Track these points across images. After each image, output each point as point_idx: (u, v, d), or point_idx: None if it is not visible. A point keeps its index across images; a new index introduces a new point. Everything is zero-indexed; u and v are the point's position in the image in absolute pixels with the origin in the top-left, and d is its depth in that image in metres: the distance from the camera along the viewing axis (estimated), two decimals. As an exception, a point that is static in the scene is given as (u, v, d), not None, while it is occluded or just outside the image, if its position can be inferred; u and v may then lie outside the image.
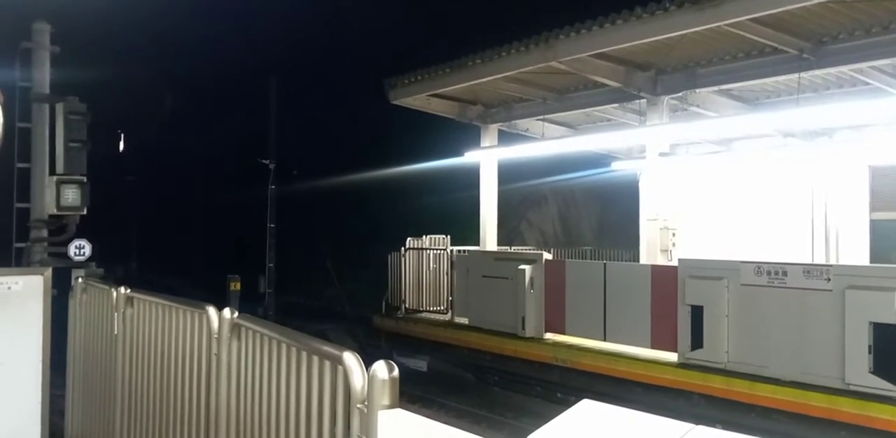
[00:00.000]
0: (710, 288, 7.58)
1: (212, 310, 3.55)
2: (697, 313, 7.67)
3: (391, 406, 2.05)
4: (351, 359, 2.26)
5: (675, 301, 7.93)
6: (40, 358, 5.74)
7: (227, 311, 3.43)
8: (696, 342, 7.67)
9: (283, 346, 2.82)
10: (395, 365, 2.11)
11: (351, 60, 22.43)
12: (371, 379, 2.09)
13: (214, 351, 3.47)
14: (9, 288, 5.70)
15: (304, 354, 2.64)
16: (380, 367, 2.09)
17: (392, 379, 2.07)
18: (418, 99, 12.39)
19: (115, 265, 24.90)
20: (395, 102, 12.58)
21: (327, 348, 2.45)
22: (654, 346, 8.31)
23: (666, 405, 7.57)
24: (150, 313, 4.36)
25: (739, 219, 11.46)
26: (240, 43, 25.93)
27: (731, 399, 7.26)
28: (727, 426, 6.67)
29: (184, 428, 3.80)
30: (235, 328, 3.33)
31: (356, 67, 21.03)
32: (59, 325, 5.94)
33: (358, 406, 2.17)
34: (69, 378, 5.97)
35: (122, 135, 33.06)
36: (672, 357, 8.00)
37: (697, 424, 1.37)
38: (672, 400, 7.71)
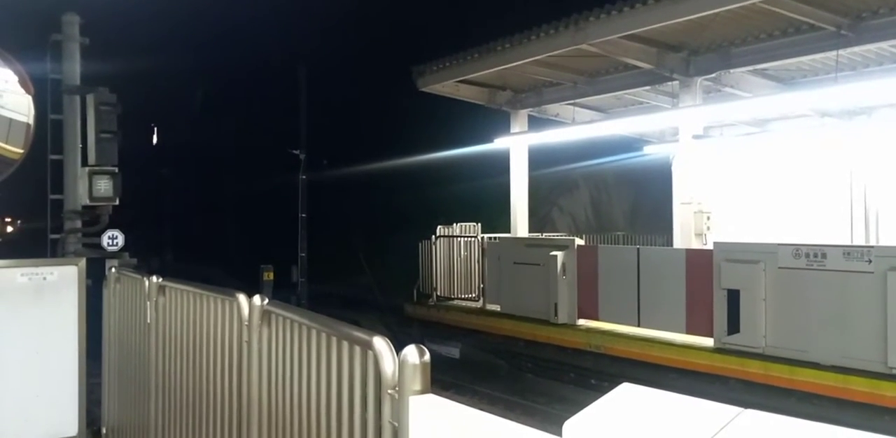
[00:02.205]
0: (747, 272, 7.44)
1: (242, 298, 3.52)
2: (734, 297, 7.55)
3: (423, 392, 2.00)
4: (381, 344, 2.21)
5: (710, 285, 7.81)
6: (76, 346, 5.81)
7: (257, 298, 3.41)
8: (733, 326, 7.55)
9: (314, 332, 2.78)
10: (426, 350, 2.05)
11: (379, 49, 22.34)
12: (402, 364, 2.04)
13: (245, 338, 3.45)
14: (44, 278, 5.77)
15: (334, 340, 2.60)
16: (410, 352, 2.03)
17: (423, 364, 2.02)
18: (447, 85, 12.31)
19: (151, 256, 25.25)
20: (423, 89, 12.51)
21: (357, 333, 2.40)
22: (689, 331, 8.21)
23: (702, 390, 7.46)
24: (181, 301, 4.36)
25: (776, 201, 11.24)
26: (269, 33, 25.96)
27: (769, 384, 7.14)
28: (766, 411, 6.56)
29: (216, 416, 3.79)
30: (266, 315, 3.30)
31: (384, 55, 20.93)
32: (94, 314, 6.00)
33: (389, 391, 2.12)
34: (104, 366, 6.03)
35: (156, 128, 33.43)
36: (708, 342, 7.88)
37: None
38: (708, 386, 7.60)
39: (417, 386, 2.01)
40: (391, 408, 2.11)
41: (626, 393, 1.49)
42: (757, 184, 11.56)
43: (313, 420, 2.73)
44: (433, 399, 1.94)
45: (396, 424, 2.07)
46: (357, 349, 2.41)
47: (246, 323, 3.45)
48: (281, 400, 3.07)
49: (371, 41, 23.02)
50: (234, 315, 3.61)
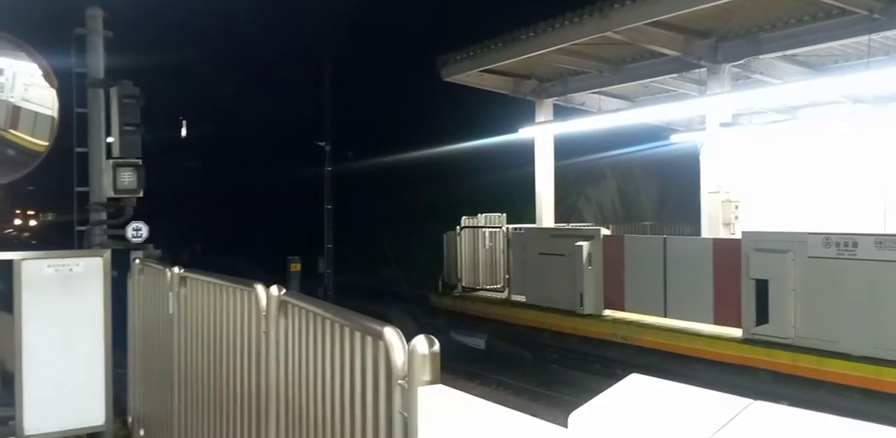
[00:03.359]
0: (776, 261, 7.31)
1: (260, 288, 3.52)
2: (762, 287, 7.42)
3: (432, 382, 1.97)
4: (392, 334, 2.18)
5: (738, 275, 7.69)
6: (102, 337, 5.88)
7: (274, 288, 3.40)
8: (762, 317, 7.43)
9: (328, 322, 2.76)
10: (435, 340, 2.02)
11: (403, 39, 22.30)
12: (411, 355, 2.01)
13: (263, 328, 3.45)
14: (70, 269, 5.83)
15: (347, 330, 2.58)
16: (419, 342, 2.00)
17: (432, 354, 1.98)
18: (471, 75, 12.23)
19: (180, 248, 25.51)
20: (447, 79, 12.44)
21: (369, 323, 2.38)
22: (716, 322, 8.10)
23: (730, 381, 7.37)
24: (202, 292, 4.38)
25: (806, 189, 11.03)
26: (294, 25, 26.01)
27: (798, 376, 7.02)
28: (794, 402, 6.45)
29: (236, 406, 3.80)
30: (283, 305, 3.29)
31: (409, 46, 20.89)
32: (119, 305, 6.07)
33: (399, 382, 2.09)
34: (130, 356, 6.10)
35: (184, 122, 33.74)
36: (736, 332, 7.77)
37: (762, 400, 1.24)
38: (736, 377, 7.50)
39: (427, 377, 1.97)
40: (401, 399, 2.08)
41: (635, 384, 1.45)
42: (787, 172, 11.34)
43: (328, 409, 2.72)
44: (442, 390, 1.91)
45: (406, 414, 2.04)
46: (369, 339, 2.38)
47: (264, 313, 3.45)
48: (297, 390, 3.06)
49: (396, 32, 22.97)
50: (252, 305, 3.61)
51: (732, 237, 9.04)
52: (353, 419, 2.49)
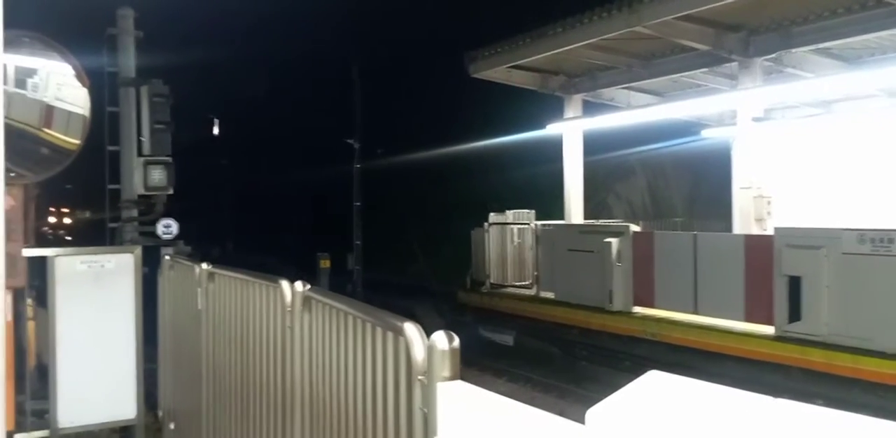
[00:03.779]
0: (809, 258, 7.19)
1: (284, 284, 3.54)
2: (795, 284, 7.31)
3: (451, 378, 1.96)
4: (412, 330, 2.18)
5: (770, 271, 7.58)
6: (134, 332, 5.96)
7: (298, 284, 3.42)
8: (794, 314, 7.32)
9: (350, 318, 2.77)
10: (454, 336, 2.01)
11: (431, 36, 22.29)
12: (430, 350, 2.00)
13: (288, 323, 3.47)
14: (102, 266, 5.93)
15: (368, 325, 2.58)
16: (439, 338, 1.99)
17: (452, 350, 1.97)
18: (499, 71, 12.17)
19: (211, 245, 25.80)
20: (475, 76, 12.41)
21: (390, 319, 2.38)
22: (748, 319, 7.99)
23: (762, 379, 7.28)
24: (229, 288, 4.42)
25: (840, 185, 10.83)
26: (323, 22, 26.13)
27: (832, 374, 6.90)
28: (828, 401, 6.35)
29: (261, 400, 3.83)
30: (306, 301, 3.31)
31: (435, 42, 20.87)
32: (150, 301, 6.15)
33: (419, 377, 2.09)
34: (160, 351, 6.17)
35: (216, 120, 34.06)
36: (768, 330, 7.66)
37: (795, 399, 1.21)
38: (768, 375, 7.40)
39: (446, 373, 1.96)
40: (421, 394, 2.08)
41: (654, 381, 1.43)
42: (820, 167, 11.15)
43: (350, 404, 2.73)
44: (462, 386, 1.90)
45: (426, 410, 2.04)
46: (390, 334, 2.38)
47: (288, 308, 3.47)
48: (320, 385, 3.08)
49: (423, 29, 22.96)
50: (277, 301, 3.63)
51: (764, 233, 8.91)
52: (375, 414, 2.50)
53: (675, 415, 1.27)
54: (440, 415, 1.93)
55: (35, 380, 6.02)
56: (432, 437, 1.98)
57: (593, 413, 1.39)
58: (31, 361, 6.41)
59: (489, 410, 1.73)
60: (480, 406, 1.77)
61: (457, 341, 2.00)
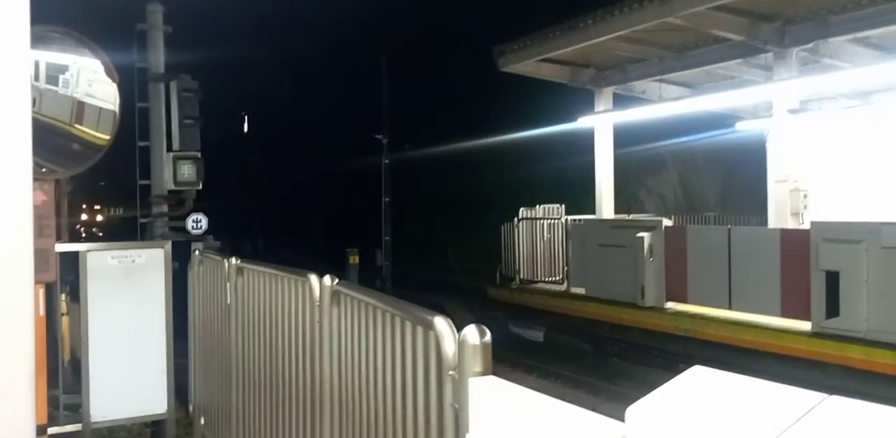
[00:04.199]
0: (848, 252, 7.02)
1: (313, 278, 3.50)
2: (833, 279, 7.14)
3: (483, 373, 1.90)
4: (442, 324, 2.12)
5: (807, 266, 7.41)
6: (164, 327, 5.98)
7: (327, 279, 3.38)
8: (832, 309, 7.15)
9: (379, 312, 2.72)
10: (486, 330, 1.95)
11: (460, 29, 22.18)
12: (461, 345, 1.94)
13: (317, 318, 3.44)
14: (133, 261, 5.95)
15: (397, 320, 2.53)
16: (470, 332, 1.93)
17: (483, 345, 1.92)
18: (528, 65, 12.04)
19: (241, 240, 25.99)
20: (504, 69, 12.29)
21: (419, 313, 2.32)
22: (784, 314, 7.83)
23: (798, 376, 7.11)
24: (258, 282, 4.40)
25: (879, 177, 10.57)
26: (352, 17, 26.10)
27: (871, 371, 6.73)
28: (867, 399, 6.18)
29: (290, 394, 3.81)
30: (335, 295, 3.27)
31: (465, 36, 20.76)
32: (180, 296, 6.16)
33: (450, 372, 2.03)
34: (190, 346, 6.18)
35: (245, 116, 34.29)
36: (805, 326, 7.50)
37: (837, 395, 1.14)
38: (805, 371, 7.24)
39: (478, 368, 1.91)
40: (452, 390, 2.02)
41: (698, 377, 1.35)
42: (859, 159, 10.89)
43: (379, 400, 2.68)
44: (493, 381, 1.84)
45: (457, 406, 1.98)
46: (419, 329, 2.33)
47: (317, 303, 3.43)
48: (349, 380, 3.03)
49: (453, 22, 22.85)
50: (306, 295, 3.60)
51: (801, 227, 8.73)
52: (405, 410, 2.45)
53: (723, 412, 1.19)
54: (471, 411, 1.88)
55: (69, 375, 6.07)
56: (464, 434, 1.92)
57: (634, 409, 1.32)
58: (66, 355, 6.48)
59: (523, 406, 1.66)
60: (514, 402, 1.70)
61: (489, 335, 1.95)
